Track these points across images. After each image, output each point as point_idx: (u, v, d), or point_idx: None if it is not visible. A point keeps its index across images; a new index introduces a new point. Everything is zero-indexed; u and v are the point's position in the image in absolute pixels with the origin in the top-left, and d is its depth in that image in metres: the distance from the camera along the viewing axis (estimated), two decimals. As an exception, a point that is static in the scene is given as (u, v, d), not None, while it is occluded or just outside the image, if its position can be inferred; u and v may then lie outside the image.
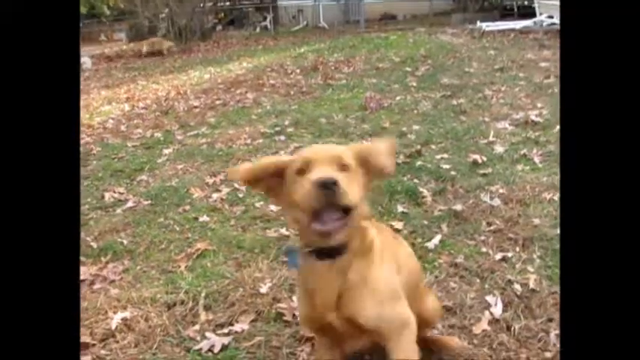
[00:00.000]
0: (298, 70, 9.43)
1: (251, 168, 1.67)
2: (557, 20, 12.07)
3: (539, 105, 5.77)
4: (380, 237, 1.76)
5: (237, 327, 2.52)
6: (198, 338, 2.47)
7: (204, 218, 3.70)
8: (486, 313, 2.49)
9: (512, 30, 12.28)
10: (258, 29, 20.20)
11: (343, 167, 1.54)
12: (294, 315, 2.55)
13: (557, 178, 3.89)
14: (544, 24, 12.39)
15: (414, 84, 7.30)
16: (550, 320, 2.46)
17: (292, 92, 7.70)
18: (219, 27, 20.91)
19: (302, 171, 1.54)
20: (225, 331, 2.50)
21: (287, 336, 2.44)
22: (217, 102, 7.56)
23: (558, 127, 4.95)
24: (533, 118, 5.28)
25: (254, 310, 2.64)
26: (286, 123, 5.87)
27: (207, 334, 2.48)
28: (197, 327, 2.55)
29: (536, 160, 4.24)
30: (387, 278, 1.73)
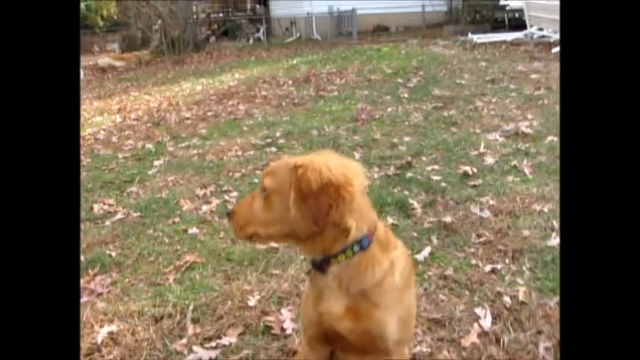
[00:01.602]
0: (290, 82, 9.44)
1: None
2: (547, 32, 12.17)
3: (529, 116, 5.79)
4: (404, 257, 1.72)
5: (224, 340, 2.49)
6: (186, 352, 2.44)
7: (193, 230, 3.68)
8: (475, 325, 2.48)
9: (504, 42, 12.37)
10: (251, 41, 20.26)
11: (263, 189, 1.60)
12: (282, 328, 2.53)
13: (547, 190, 3.90)
14: (534, 36, 12.48)
15: (406, 95, 7.32)
16: (539, 332, 2.46)
17: (284, 104, 7.70)
18: (212, 38, 20.97)
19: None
20: (213, 344, 2.48)
21: (275, 349, 2.42)
22: (209, 113, 7.56)
23: (549, 138, 4.97)
24: (523, 129, 5.29)
25: (242, 323, 2.62)
26: (277, 134, 5.87)
27: (195, 347, 2.45)
28: (184, 340, 2.52)
29: (527, 171, 4.25)
30: (412, 300, 1.74)
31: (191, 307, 2.76)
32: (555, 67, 8.49)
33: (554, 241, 3.17)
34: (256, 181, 4.48)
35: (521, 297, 2.69)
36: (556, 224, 3.36)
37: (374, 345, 1.65)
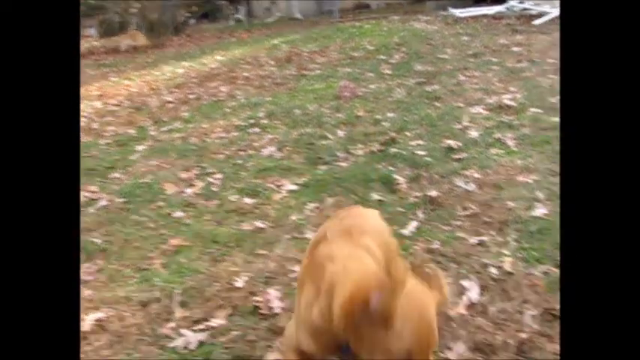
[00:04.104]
0: (272, 62, 9.35)
1: None
2: (528, 5, 12.13)
3: (512, 89, 5.79)
4: None
5: (213, 322, 2.49)
6: (174, 336, 2.43)
7: (178, 214, 3.65)
8: (463, 297, 2.49)
9: (485, 16, 12.31)
10: (231, 22, 20.01)
11: None
12: (270, 308, 2.53)
13: (531, 161, 3.91)
14: (516, 9, 12.44)
15: (389, 72, 7.28)
16: (525, 301, 2.48)
17: (266, 84, 7.63)
18: (192, 21, 20.66)
19: None
20: (202, 327, 2.47)
21: (264, 329, 2.42)
22: (191, 96, 7.47)
23: (532, 110, 4.98)
24: (506, 102, 5.29)
25: (230, 305, 2.62)
26: (260, 115, 5.82)
27: (183, 331, 2.45)
28: (173, 324, 2.51)
29: (510, 143, 4.25)
30: None
31: (178, 291, 2.75)
32: (537, 40, 8.48)
33: (539, 211, 3.19)
34: (240, 162, 4.44)
35: (507, 267, 2.71)
36: (540, 194, 3.38)
37: None
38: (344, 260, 1.59)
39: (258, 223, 3.37)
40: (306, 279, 1.70)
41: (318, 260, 1.66)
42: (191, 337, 2.40)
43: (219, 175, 4.22)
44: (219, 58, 10.87)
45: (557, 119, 4.68)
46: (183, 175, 4.34)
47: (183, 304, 2.67)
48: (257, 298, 2.61)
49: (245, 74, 8.56)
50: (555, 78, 6.03)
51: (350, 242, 1.73)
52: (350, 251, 1.67)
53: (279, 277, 2.79)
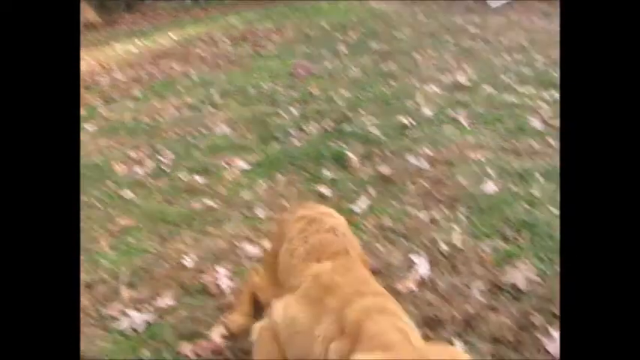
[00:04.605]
0: (227, 40, 9.18)
1: None
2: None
3: (466, 68, 5.82)
4: None
5: (160, 302, 2.44)
6: (120, 317, 2.38)
7: (127, 194, 3.56)
8: (413, 272, 2.50)
9: (442, -5, 12.35)
10: (188, 0, 19.56)
11: None
12: (218, 286, 2.49)
13: (483, 138, 3.95)
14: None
15: (345, 50, 7.23)
16: (473, 276, 2.50)
17: (221, 62, 7.49)
18: (146, -2, 20.13)
19: None
20: (149, 307, 2.42)
21: (211, 307, 2.39)
22: (143, 75, 7.27)
23: (485, 88, 5.02)
24: (460, 80, 5.32)
25: (178, 284, 2.57)
26: (214, 94, 5.71)
27: (129, 311, 2.39)
28: (119, 305, 2.45)
29: (463, 121, 4.28)
30: None
31: (125, 272, 2.68)
32: (493, 21, 8.55)
33: (489, 187, 3.22)
34: (192, 141, 4.35)
35: (457, 243, 2.73)
36: (491, 171, 3.41)
37: None
38: (376, 313, 1.50)
39: (209, 202, 3.31)
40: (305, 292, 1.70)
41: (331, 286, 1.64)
42: (137, 318, 2.34)
43: (170, 154, 4.12)
44: (173, 36, 10.62)
45: (510, 98, 4.74)
46: (134, 154, 4.23)
47: (130, 285, 2.61)
48: (205, 277, 2.57)
49: (199, 52, 8.37)
50: (509, 58, 6.10)
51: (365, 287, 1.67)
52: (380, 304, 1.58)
53: (229, 255, 2.75)
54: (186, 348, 2.17)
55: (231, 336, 2.20)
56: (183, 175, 3.71)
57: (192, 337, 2.24)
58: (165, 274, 2.66)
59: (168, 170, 3.85)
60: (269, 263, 2.13)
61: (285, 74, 6.20)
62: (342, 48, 7.36)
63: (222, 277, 2.54)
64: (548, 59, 5.89)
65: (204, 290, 2.50)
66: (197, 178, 3.63)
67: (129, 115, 5.35)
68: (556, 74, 5.36)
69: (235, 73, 6.70)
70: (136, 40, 10.42)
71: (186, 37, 10.21)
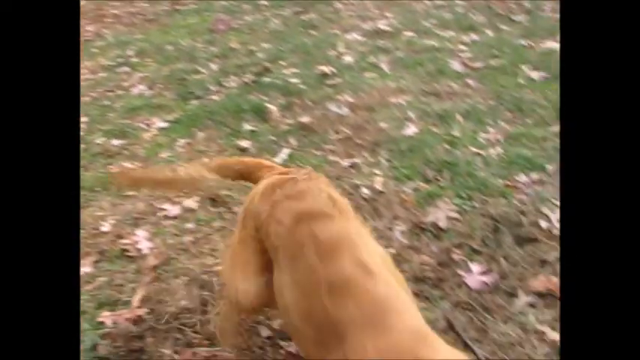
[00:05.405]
0: (144, -2, 8.79)
1: None
2: None
3: (388, 15, 5.79)
4: None
5: (77, 270, 2.35)
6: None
7: (39, 162, 3.38)
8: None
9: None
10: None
11: None
12: (137, 249, 2.42)
13: (403, 83, 3.96)
14: None
15: (265, 3, 7.05)
16: (395, 218, 2.53)
17: (137, 21, 7.15)
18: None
19: None
20: (65, 276, 2.32)
21: (131, 271, 2.33)
22: (54, 38, 6.89)
23: (406, 34, 5.02)
24: (382, 27, 5.29)
25: (96, 251, 2.48)
26: (130, 53, 5.46)
27: (44, 282, 2.29)
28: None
29: (384, 67, 4.27)
30: None
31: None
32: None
33: (410, 130, 3.24)
34: (107, 103, 4.16)
35: (378, 187, 2.74)
36: (412, 114, 3.43)
37: None
38: None
39: (127, 164, 3.19)
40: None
41: None
42: (53, 289, 2.25)
43: (84, 118, 3.93)
44: (85, -4, 10.07)
45: (430, 42, 4.75)
46: (45, 121, 4.01)
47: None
48: (124, 241, 2.49)
49: (114, 11, 7.97)
50: (429, 3, 6.10)
51: None
52: None
53: (148, 216, 2.67)
54: (107, 317, 2.11)
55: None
56: (98, 139, 3.55)
57: (112, 304, 2.17)
58: (82, 241, 2.55)
59: (82, 134, 3.67)
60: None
61: (205, 30, 5.99)
62: (263, 1, 7.17)
63: (142, 239, 2.47)
64: (468, 4, 5.92)
65: (122, 254, 2.42)
66: (113, 141, 3.49)
67: (39, 81, 5.06)
68: (475, 17, 5.41)
69: (153, 31, 6.43)
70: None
71: (100, -3, 9.71)
